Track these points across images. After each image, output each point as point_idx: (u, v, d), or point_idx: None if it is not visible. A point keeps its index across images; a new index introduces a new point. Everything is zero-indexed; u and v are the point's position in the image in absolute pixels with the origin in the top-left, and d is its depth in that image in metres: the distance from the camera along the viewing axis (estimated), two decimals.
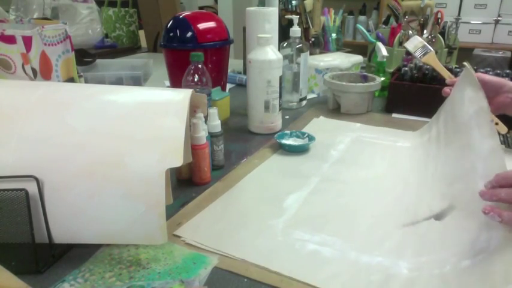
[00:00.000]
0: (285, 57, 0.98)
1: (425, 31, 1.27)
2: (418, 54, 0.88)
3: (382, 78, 1.06)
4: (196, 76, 0.78)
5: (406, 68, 1.02)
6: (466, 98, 0.64)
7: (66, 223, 0.46)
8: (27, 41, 0.64)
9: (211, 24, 0.99)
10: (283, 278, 0.46)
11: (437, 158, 0.69)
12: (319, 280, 0.45)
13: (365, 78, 1.06)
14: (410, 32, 1.24)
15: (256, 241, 0.52)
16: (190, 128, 0.62)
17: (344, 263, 0.48)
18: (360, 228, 0.55)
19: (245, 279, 0.46)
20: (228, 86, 1.20)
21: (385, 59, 1.14)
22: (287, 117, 1.00)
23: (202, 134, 0.64)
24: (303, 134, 0.83)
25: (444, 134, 0.71)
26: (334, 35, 1.45)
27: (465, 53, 2.29)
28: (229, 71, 1.12)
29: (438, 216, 0.54)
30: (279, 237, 0.53)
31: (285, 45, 1.02)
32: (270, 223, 0.56)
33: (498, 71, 0.99)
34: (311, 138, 0.81)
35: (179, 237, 0.53)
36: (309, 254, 0.50)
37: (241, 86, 1.26)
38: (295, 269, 0.47)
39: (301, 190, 0.65)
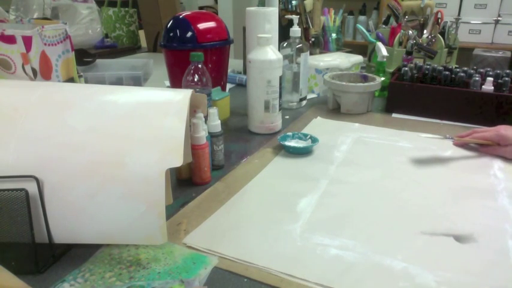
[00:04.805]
0: (285, 57, 0.98)
1: (425, 31, 1.27)
2: (444, 138, 0.81)
3: (382, 78, 1.06)
4: (196, 76, 0.78)
5: (406, 68, 1.02)
6: None
7: (66, 223, 0.46)
8: (27, 41, 0.64)
9: (211, 24, 0.99)
10: (283, 278, 0.46)
11: (452, 173, 0.71)
12: (346, 286, 0.44)
13: (365, 78, 1.06)
14: (410, 34, 1.24)
15: (275, 248, 0.51)
16: (190, 128, 0.62)
17: (368, 267, 0.48)
18: (378, 231, 0.54)
19: (245, 279, 0.46)
20: (228, 86, 1.20)
21: (385, 59, 1.14)
22: (287, 117, 1.00)
23: (202, 134, 0.64)
24: (305, 135, 0.82)
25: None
26: (334, 35, 1.45)
27: (465, 53, 2.29)
28: (229, 71, 1.12)
29: (458, 238, 0.53)
30: (298, 243, 0.52)
31: (285, 45, 1.02)
32: (287, 228, 0.55)
33: (498, 71, 0.99)
34: (314, 139, 0.81)
35: (189, 247, 0.51)
36: (332, 259, 0.49)
37: (241, 86, 1.26)
38: (321, 275, 0.46)
39: (312, 193, 0.64)
